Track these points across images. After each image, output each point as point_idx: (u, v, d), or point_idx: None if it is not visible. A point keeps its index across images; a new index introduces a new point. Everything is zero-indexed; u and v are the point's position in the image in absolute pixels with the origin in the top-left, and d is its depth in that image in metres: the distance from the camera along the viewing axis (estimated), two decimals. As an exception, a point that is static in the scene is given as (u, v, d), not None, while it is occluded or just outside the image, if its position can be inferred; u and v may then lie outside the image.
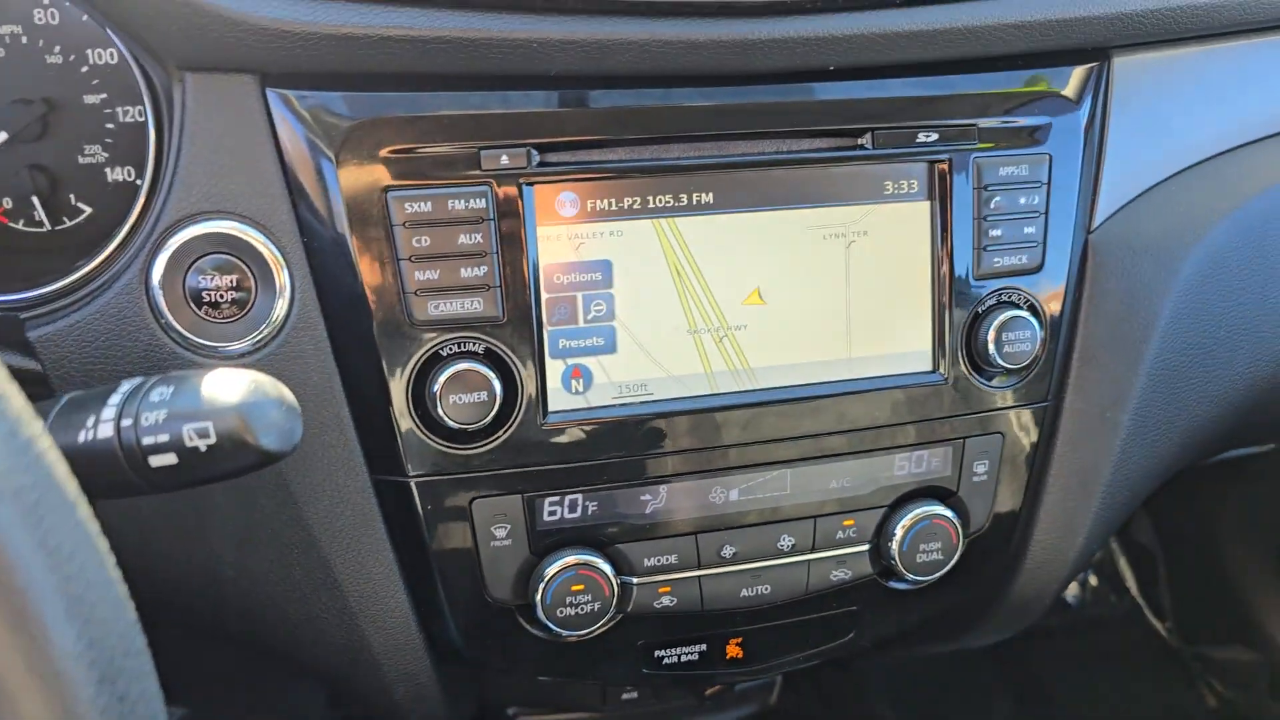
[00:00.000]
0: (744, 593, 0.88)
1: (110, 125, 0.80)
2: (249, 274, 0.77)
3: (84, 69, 0.79)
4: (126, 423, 0.54)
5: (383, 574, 0.84)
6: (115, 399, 0.55)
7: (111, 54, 0.79)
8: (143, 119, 0.79)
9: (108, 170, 0.81)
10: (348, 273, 0.77)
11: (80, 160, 0.81)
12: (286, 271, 0.77)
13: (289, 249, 0.77)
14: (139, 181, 0.79)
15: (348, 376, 0.79)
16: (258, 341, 0.77)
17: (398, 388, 0.79)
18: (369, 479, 0.81)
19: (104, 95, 0.80)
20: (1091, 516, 0.95)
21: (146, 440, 0.54)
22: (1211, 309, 0.94)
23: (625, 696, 1.17)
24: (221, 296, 0.77)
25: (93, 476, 0.55)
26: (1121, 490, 0.96)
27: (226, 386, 0.54)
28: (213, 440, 0.53)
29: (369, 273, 0.77)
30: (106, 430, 0.54)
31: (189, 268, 0.76)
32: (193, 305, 0.76)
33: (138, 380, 0.57)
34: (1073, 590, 2.10)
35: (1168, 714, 1.96)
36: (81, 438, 0.55)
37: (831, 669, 1.24)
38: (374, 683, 0.88)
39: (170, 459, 0.54)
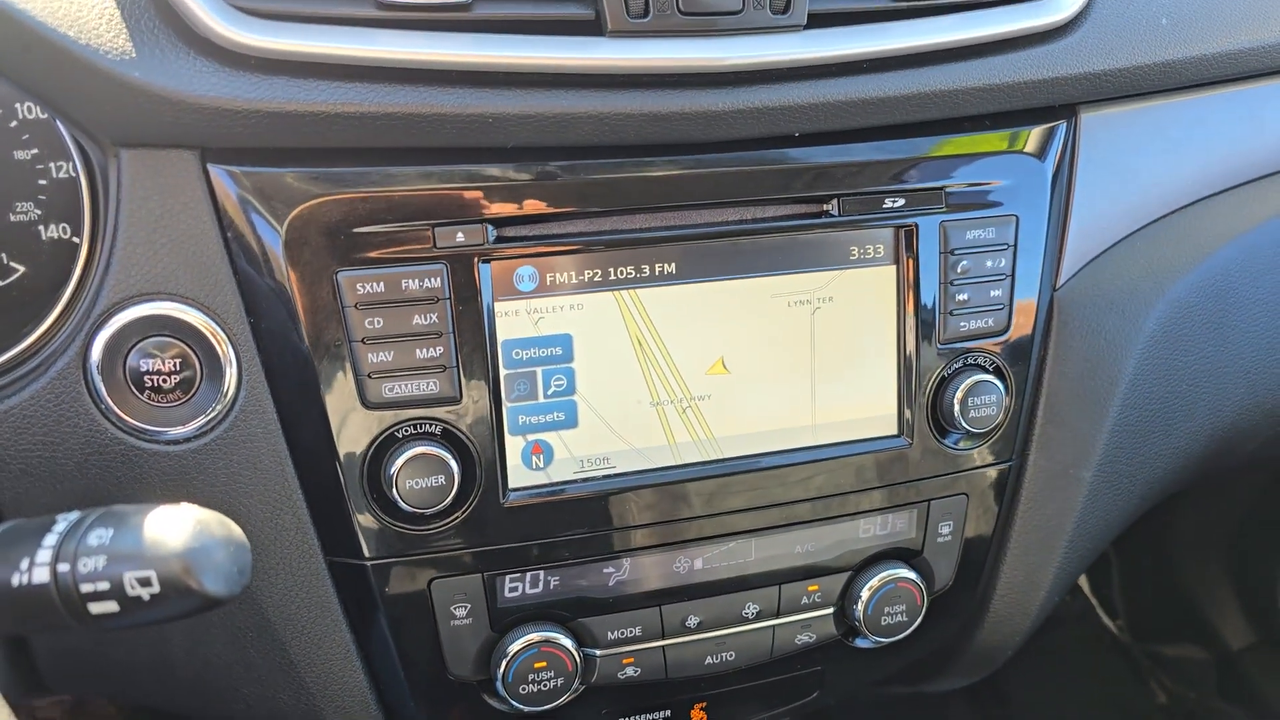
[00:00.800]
0: (709, 660, 0.87)
1: (43, 182, 0.76)
2: (193, 356, 0.74)
3: (13, 124, 0.75)
4: (63, 567, 0.51)
5: (340, 655, 0.82)
6: (51, 539, 0.52)
7: (42, 109, 0.75)
8: (75, 175, 0.74)
9: (41, 228, 0.77)
10: (298, 355, 0.75)
11: (11, 218, 0.76)
12: (233, 354, 0.74)
13: (235, 330, 0.74)
14: (76, 240, 0.75)
15: (300, 459, 0.77)
16: (204, 425, 0.74)
17: (352, 471, 0.76)
18: (324, 561, 0.79)
19: (35, 150, 0.76)
20: (1054, 570, 0.95)
21: (85, 588, 0.51)
22: (1174, 362, 0.94)
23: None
24: (165, 380, 0.73)
25: (28, 619, 0.52)
26: (1084, 543, 0.96)
27: (170, 528, 0.52)
28: (156, 589, 0.51)
29: (320, 355, 0.74)
30: (42, 575, 0.51)
31: (129, 350, 0.73)
32: (134, 389, 0.73)
33: (74, 516, 0.54)
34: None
35: (1119, 710, 2.00)
36: (16, 580, 0.52)
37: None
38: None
39: (111, 606, 0.51)
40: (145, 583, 0.50)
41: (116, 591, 0.51)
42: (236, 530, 0.53)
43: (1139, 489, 0.97)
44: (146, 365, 0.73)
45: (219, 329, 0.74)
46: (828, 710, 1.25)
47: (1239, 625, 2.00)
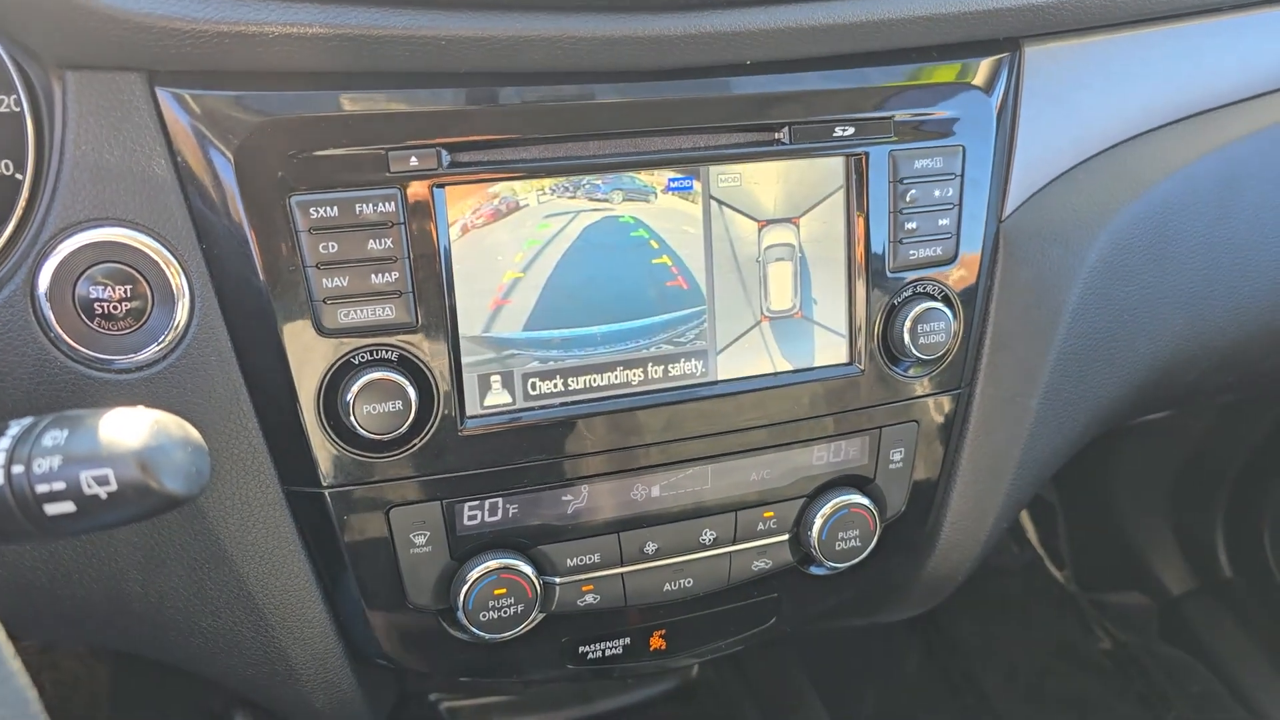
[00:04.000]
0: (667, 587, 0.88)
1: (-15, 116, 0.74)
2: (144, 283, 0.73)
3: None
4: (17, 469, 0.51)
5: (299, 585, 0.81)
6: (4, 443, 0.52)
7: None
8: (19, 109, 0.73)
9: (-16, 162, 0.75)
10: (251, 281, 0.74)
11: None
12: (185, 280, 0.74)
13: (187, 257, 0.74)
14: (19, 176, 0.74)
15: (255, 387, 0.76)
16: (157, 354, 0.74)
17: (308, 398, 0.76)
18: (281, 491, 0.79)
19: (-26, 84, 0.74)
20: (1003, 497, 0.98)
21: (41, 488, 0.51)
22: (1116, 293, 0.96)
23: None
24: (115, 307, 0.73)
25: (-16, 525, 0.52)
26: (1030, 470, 0.99)
27: (126, 428, 0.51)
28: (113, 487, 0.50)
29: (274, 281, 0.74)
30: (-4, 477, 0.51)
31: (78, 277, 0.72)
32: (84, 317, 0.72)
33: (28, 421, 0.53)
34: (978, 542, 2.16)
35: (1065, 657, 2.05)
36: (-32, 485, 0.51)
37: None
38: (293, 693, 0.86)
39: (67, 507, 0.51)
40: (102, 481, 0.50)
41: (73, 492, 0.50)
42: (194, 432, 0.53)
43: (1084, 417, 1.00)
44: (96, 293, 0.72)
45: (170, 255, 0.73)
46: (785, 653, 1.27)
47: (1180, 572, 2.06)
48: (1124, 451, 2.02)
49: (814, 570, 0.93)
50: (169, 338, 0.74)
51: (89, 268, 0.72)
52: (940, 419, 0.92)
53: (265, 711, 1.81)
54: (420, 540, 0.81)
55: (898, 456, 0.92)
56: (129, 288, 0.73)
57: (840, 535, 0.90)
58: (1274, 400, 1.76)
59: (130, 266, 0.72)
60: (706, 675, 1.25)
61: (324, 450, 0.77)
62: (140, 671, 1.82)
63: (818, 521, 0.89)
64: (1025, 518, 2.20)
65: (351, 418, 0.75)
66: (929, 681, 1.98)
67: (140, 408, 0.53)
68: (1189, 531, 2.06)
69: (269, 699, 0.88)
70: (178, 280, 0.73)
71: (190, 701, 1.80)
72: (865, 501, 0.90)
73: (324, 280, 0.74)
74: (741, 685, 1.19)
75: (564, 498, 0.83)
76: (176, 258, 0.73)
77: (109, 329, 0.73)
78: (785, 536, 0.91)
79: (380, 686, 0.98)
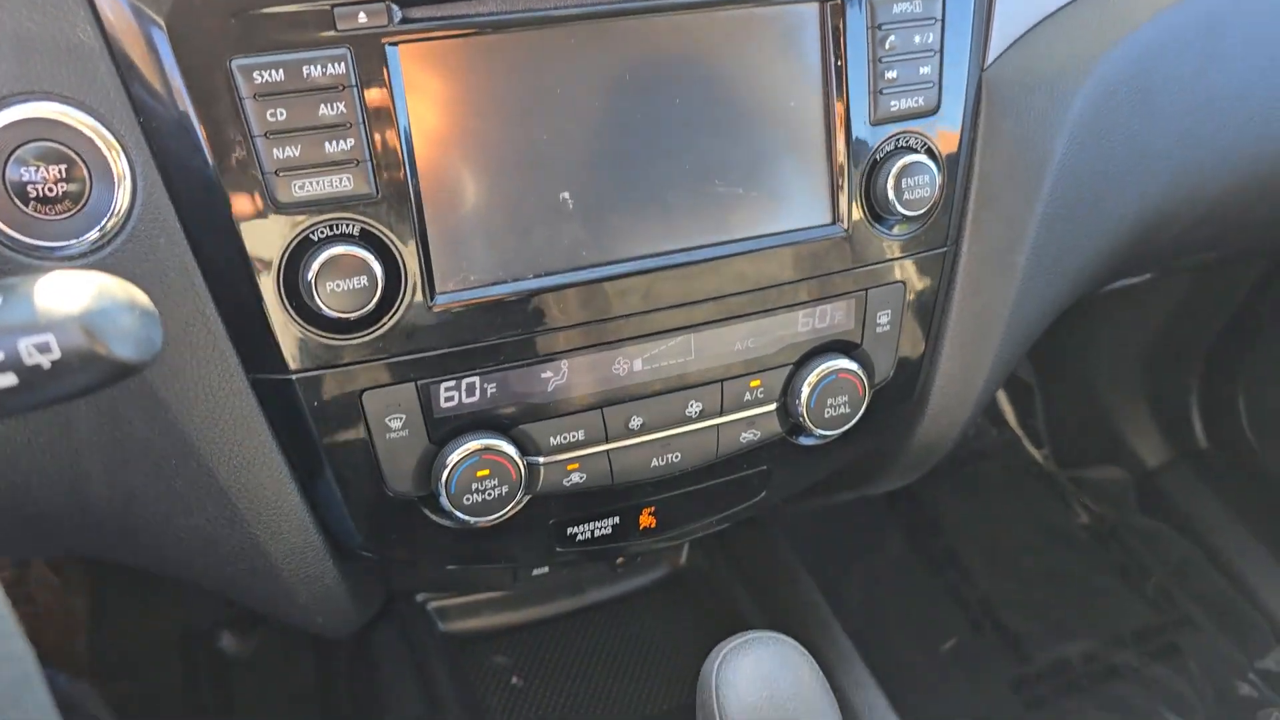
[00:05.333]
0: (654, 463, 0.86)
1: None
2: (80, 162, 0.68)
3: None
4: (-49, 343, 0.47)
5: (272, 478, 0.78)
6: (-65, 316, 0.48)
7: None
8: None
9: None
10: (196, 155, 0.69)
11: None
12: (124, 158, 0.69)
13: (124, 132, 0.69)
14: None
15: (209, 270, 0.72)
16: (100, 239, 0.69)
17: (267, 279, 0.72)
18: (246, 379, 0.75)
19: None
20: (991, 359, 0.96)
21: (-22, 361, 0.47)
22: (1101, 144, 0.93)
23: (536, 572, 1.16)
24: (51, 190, 0.67)
25: (-80, 405, 0.48)
26: (1018, 330, 0.97)
27: (65, 293, 0.47)
28: (56, 355, 0.46)
29: (220, 154, 0.69)
30: (-72, 352, 0.47)
31: (8, 158, 0.67)
32: (18, 201, 0.67)
33: (-41, 293, 0.49)
34: (956, 426, 2.17)
35: (1045, 533, 2.07)
36: (-101, 363, 0.47)
37: (737, 526, 1.25)
38: (274, 589, 0.83)
39: (9, 380, 0.47)
40: (44, 349, 0.46)
41: (13, 362, 0.46)
42: (141, 295, 0.49)
43: (1071, 274, 0.97)
44: (28, 175, 0.67)
45: (105, 130, 0.68)
46: (772, 534, 1.26)
47: (1156, 444, 2.07)
48: (1099, 328, 2.01)
49: (803, 441, 0.91)
50: (112, 221, 0.69)
51: (18, 147, 0.67)
52: (926, 279, 0.90)
53: (249, 629, 1.80)
54: (396, 424, 0.78)
55: (884, 320, 0.89)
56: (63, 168, 0.68)
57: (829, 402, 0.87)
58: (1253, 260, 1.75)
59: (63, 145, 0.67)
60: (696, 561, 1.24)
61: (288, 334, 0.73)
62: (119, 600, 1.80)
63: (805, 389, 0.87)
64: (1003, 399, 2.20)
65: (315, 297, 0.71)
66: (912, 562, 2.00)
67: (80, 271, 0.49)
68: (1164, 404, 2.07)
69: (250, 598, 0.86)
70: (116, 157, 0.68)
71: (171, 626, 1.78)
72: (853, 367, 0.88)
73: (274, 151, 0.69)
74: (731, 569, 1.18)
75: (543, 375, 0.80)
76: (112, 133, 0.68)
77: (46, 213, 0.68)
78: (773, 406, 0.88)
79: (366, 583, 0.95)
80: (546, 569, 1.17)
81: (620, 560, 1.14)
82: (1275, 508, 1.93)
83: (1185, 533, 2.00)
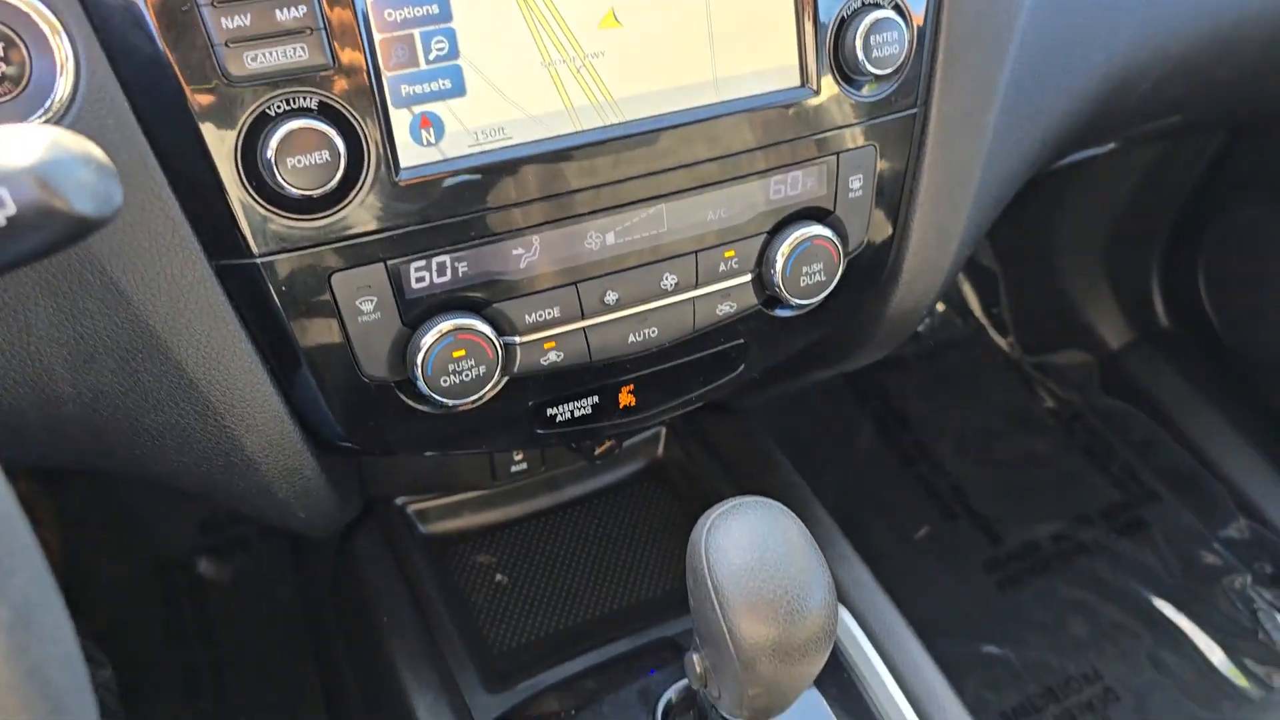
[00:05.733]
0: (631, 338, 0.85)
1: None
2: (19, 43, 0.65)
3: None
4: (-102, 204, 0.44)
5: (243, 368, 0.76)
6: (-123, 178, 0.45)
7: None
8: None
9: None
10: (139, 29, 0.66)
11: None
12: (65, 37, 0.65)
13: (63, 8, 0.65)
14: None
15: (163, 152, 0.69)
16: (44, 123, 0.66)
17: (224, 159, 0.69)
18: (209, 266, 0.73)
19: None
20: (963, 223, 0.95)
21: (-71, 221, 0.44)
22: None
23: (514, 468, 1.15)
24: (-11, 71, 0.64)
25: None
26: (989, 194, 0.96)
27: (17, 147, 0.45)
28: (11, 211, 0.44)
29: (165, 26, 0.66)
30: (-127, 215, 0.44)
31: (-60, 39, 0.63)
32: (-46, 84, 0.64)
33: (-98, 153, 0.46)
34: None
35: (1012, 420, 2.10)
36: None
37: (713, 415, 1.25)
38: (252, 484, 0.82)
39: (-36, 241, 0.45)
40: (-2, 204, 0.44)
41: (-34, 220, 0.44)
42: (98, 150, 0.47)
43: (1040, 134, 0.97)
44: (-37, 56, 0.64)
45: (44, 8, 0.65)
46: (749, 423, 1.26)
47: (1118, 326, 2.10)
48: (1060, 212, 2.02)
49: (780, 313, 0.91)
50: (55, 103, 0.66)
51: (-50, 26, 0.63)
52: (897, 141, 0.88)
53: (227, 554, 1.79)
54: (368, 307, 0.76)
55: (856, 184, 0.88)
56: (0, 48, 0.64)
57: (804, 270, 0.86)
58: (1211, 134, 1.76)
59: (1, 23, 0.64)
60: (673, 453, 1.24)
61: (250, 216, 0.71)
62: (91, 534, 1.78)
63: (780, 258, 0.86)
64: (967, 288, 2.21)
65: (275, 176, 0.69)
66: (883, 456, 2.03)
67: (31, 124, 0.47)
68: (1126, 286, 2.10)
69: (229, 496, 0.84)
70: (57, 38, 0.65)
71: (146, 556, 1.77)
72: (827, 233, 0.87)
73: (222, 20, 0.66)
74: (709, 458, 1.19)
75: (515, 251, 0.79)
76: (52, 10, 0.65)
77: (-15, 96, 0.65)
78: (748, 277, 0.87)
79: (345, 477, 0.94)
80: (524, 465, 1.16)
81: (599, 453, 1.14)
82: (1235, 382, 1.96)
83: (1149, 411, 2.04)
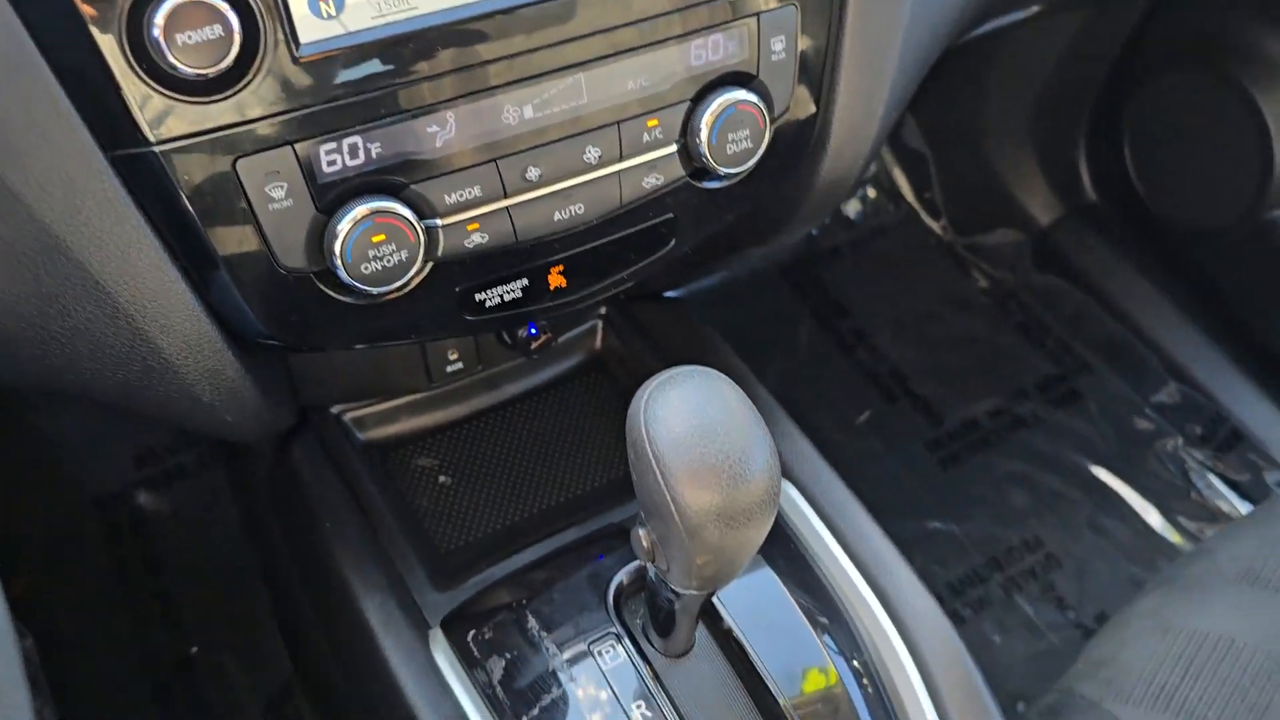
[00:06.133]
0: (557, 216, 0.82)
1: None
2: None
3: None
4: None
5: (151, 266, 0.73)
6: None
7: None
8: None
9: None
10: (0, -103, 0.61)
11: None
12: None
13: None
14: None
15: (43, 38, 0.65)
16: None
17: (109, 38, 0.65)
18: (105, 158, 0.69)
19: None
20: (888, 86, 0.94)
21: None
22: None
23: (450, 368, 1.13)
24: None
25: None
26: (913, 55, 0.95)
27: None
28: None
29: (28, -109, 0.61)
30: None
31: None
32: None
33: None
34: (854, 206, 2.19)
35: (947, 302, 2.12)
36: None
37: (650, 304, 1.23)
38: (174, 389, 0.79)
39: None
40: None
41: None
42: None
43: (961, -9, 0.95)
44: None
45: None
46: (687, 311, 1.25)
47: (1047, 202, 2.12)
48: (987, 90, 2.02)
49: (708, 184, 0.89)
50: None
51: None
52: (818, 1, 0.86)
53: (164, 484, 1.76)
54: (278, 194, 0.72)
55: (779, 46, 0.86)
56: None
57: (730, 137, 0.84)
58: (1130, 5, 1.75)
59: None
60: (611, 345, 1.23)
61: (143, 100, 0.67)
62: (21, 472, 1.73)
63: (704, 126, 0.84)
64: (898, 173, 2.21)
65: (166, 55, 0.65)
66: (823, 345, 2.04)
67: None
68: (1054, 162, 2.11)
69: (153, 405, 0.81)
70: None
71: (81, 492, 1.73)
72: (752, 98, 0.85)
73: (88, -117, 0.62)
74: (648, 347, 1.18)
75: (429, 129, 0.76)
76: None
77: None
78: (674, 148, 0.85)
79: (274, 379, 0.92)
80: (460, 365, 1.15)
81: (535, 347, 1.12)
82: (1162, 251, 2.00)
83: (1079, 285, 2.07)
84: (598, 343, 1.25)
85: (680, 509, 0.69)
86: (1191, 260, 1.94)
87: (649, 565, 0.79)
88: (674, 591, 0.80)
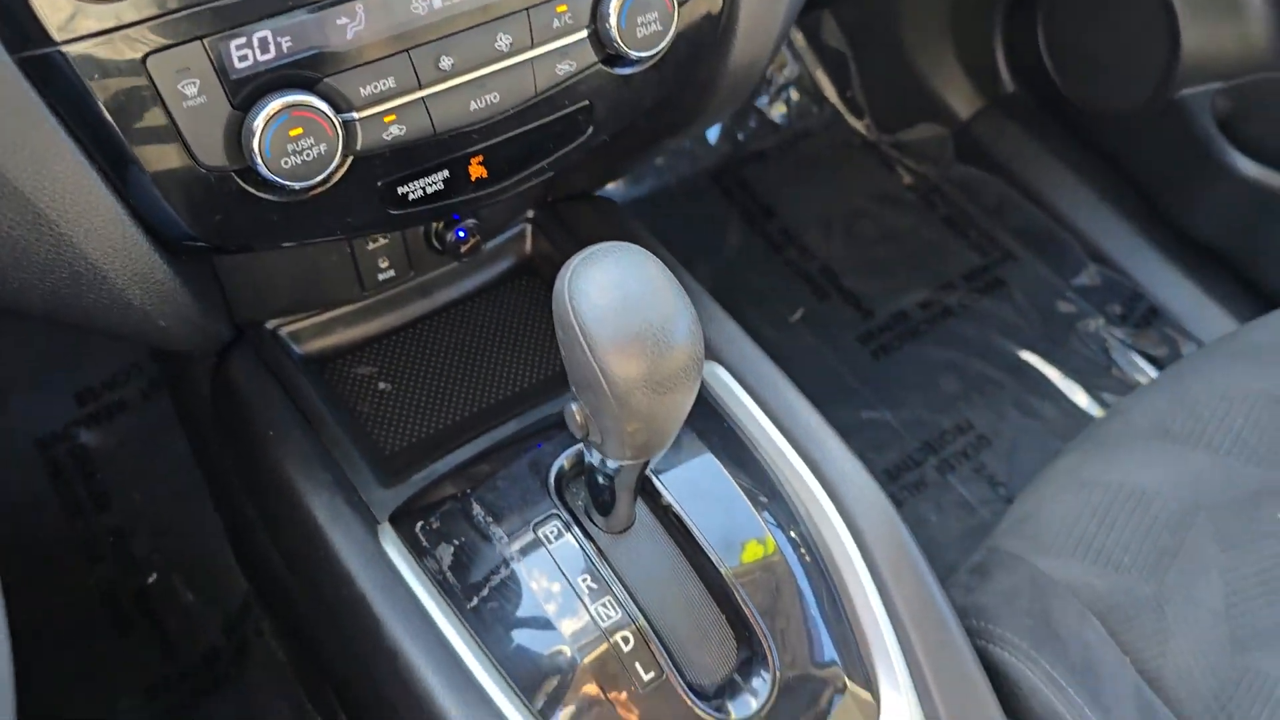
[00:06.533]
0: (473, 105, 0.84)
1: None
2: None
3: None
4: None
5: (69, 170, 0.73)
6: None
7: None
8: None
9: None
10: None
11: None
12: None
13: None
14: None
15: None
16: None
17: (4, -64, 0.65)
18: (11, 61, 0.69)
19: None
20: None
21: None
22: None
23: (381, 276, 1.14)
24: None
25: None
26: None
27: None
28: None
29: None
30: None
31: None
32: None
33: None
34: (779, 109, 2.21)
35: (874, 199, 2.16)
36: None
37: (578, 205, 1.25)
38: (105, 296, 0.80)
39: None
40: None
41: None
42: None
43: None
44: None
45: None
46: (617, 212, 1.27)
47: (966, 95, 2.15)
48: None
49: (621, 70, 0.90)
50: None
51: None
52: (718, -122, 0.87)
53: (106, 419, 1.76)
54: (192, 90, 0.73)
55: (682, -73, 0.87)
56: None
57: (639, 20, 0.86)
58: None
59: None
60: (541, 247, 1.25)
61: (43, -1, 0.67)
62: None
63: (613, 11, 0.85)
64: (820, 74, 2.23)
65: None
66: (754, 247, 2.07)
67: None
68: (971, 55, 2.14)
69: (85, 314, 0.82)
70: None
71: (21, 432, 1.72)
72: (661, -20, 0.86)
73: None
74: (578, 247, 1.19)
75: (339, 21, 0.76)
76: None
77: None
78: (584, 33, 0.86)
79: (204, 284, 0.93)
80: (392, 272, 1.16)
81: (465, 250, 1.13)
82: (1078, 136, 2.05)
83: (1001, 175, 2.12)
84: (527, 246, 1.26)
85: (609, 378, 0.71)
86: (1106, 144, 2.00)
87: (585, 442, 0.82)
88: (610, 467, 0.84)
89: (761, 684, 0.91)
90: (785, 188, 2.14)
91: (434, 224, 1.12)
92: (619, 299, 0.71)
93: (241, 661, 1.55)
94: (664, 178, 2.10)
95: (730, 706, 0.91)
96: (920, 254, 2.08)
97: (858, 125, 2.24)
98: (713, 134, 2.15)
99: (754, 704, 0.90)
